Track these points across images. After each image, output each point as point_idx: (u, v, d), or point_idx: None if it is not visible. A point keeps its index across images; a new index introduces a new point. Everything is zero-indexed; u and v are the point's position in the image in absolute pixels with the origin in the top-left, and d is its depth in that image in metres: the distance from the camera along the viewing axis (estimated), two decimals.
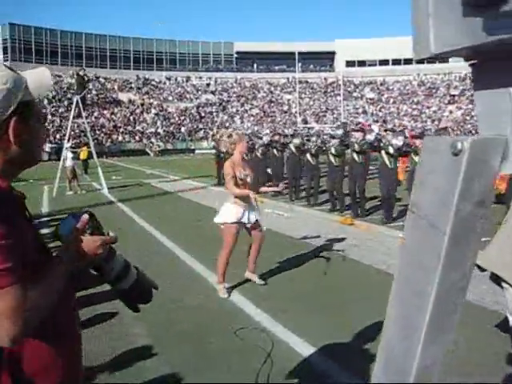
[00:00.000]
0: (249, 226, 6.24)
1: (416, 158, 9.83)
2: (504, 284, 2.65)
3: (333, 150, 12.33)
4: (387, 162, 10.38)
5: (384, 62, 72.98)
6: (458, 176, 0.61)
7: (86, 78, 19.99)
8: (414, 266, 0.71)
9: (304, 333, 4.76)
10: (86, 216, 1.43)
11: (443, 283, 0.67)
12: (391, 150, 10.23)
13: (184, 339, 4.69)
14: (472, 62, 0.68)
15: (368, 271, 7.06)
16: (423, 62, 70.81)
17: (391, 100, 66.92)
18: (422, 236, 0.69)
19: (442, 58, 0.67)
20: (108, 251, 1.47)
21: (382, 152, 10.54)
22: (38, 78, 1.44)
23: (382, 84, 71.10)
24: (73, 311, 1.51)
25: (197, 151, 50.69)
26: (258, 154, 17.16)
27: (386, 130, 11.34)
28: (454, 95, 63.87)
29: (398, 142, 10.29)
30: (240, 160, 6.20)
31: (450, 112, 60.43)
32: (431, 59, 0.67)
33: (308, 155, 13.61)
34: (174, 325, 5.07)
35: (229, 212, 6.15)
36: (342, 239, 9.01)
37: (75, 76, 20.42)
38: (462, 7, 0.59)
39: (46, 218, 11.16)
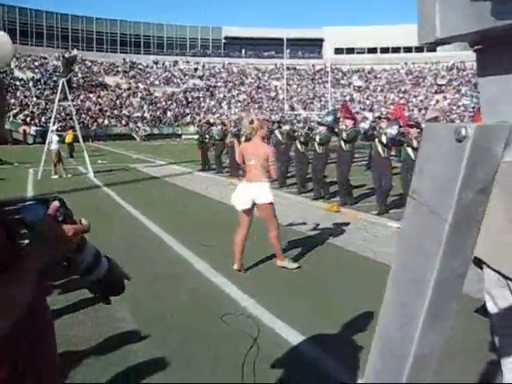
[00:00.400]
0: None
1: (408, 150, 9.75)
2: (484, 266, 2.66)
3: (317, 138, 12.33)
4: (380, 151, 10.36)
5: (372, 50, 72.98)
6: (461, 163, 0.61)
7: (72, 59, 19.67)
8: (413, 252, 0.71)
9: (290, 319, 4.78)
10: (56, 203, 1.24)
11: (443, 270, 0.66)
12: (384, 139, 10.19)
13: (171, 324, 4.69)
14: (477, 47, 0.67)
15: (354, 258, 7.10)
16: (411, 51, 71.01)
17: (379, 88, 67.00)
18: (422, 222, 0.69)
19: (447, 42, 0.67)
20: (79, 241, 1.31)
21: (376, 141, 10.49)
22: None
23: (369, 72, 71.13)
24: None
25: (183, 136, 50.50)
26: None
27: (379, 118, 11.24)
28: (441, 85, 64.07)
29: (393, 131, 10.25)
30: (260, 143, 6.40)
31: (437, 101, 60.66)
32: (432, 44, 0.66)
33: (297, 142, 13.58)
34: (160, 310, 5.06)
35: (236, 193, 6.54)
36: (328, 226, 9.05)
37: (61, 58, 20.18)
38: None
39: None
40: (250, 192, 6.28)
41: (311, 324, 4.69)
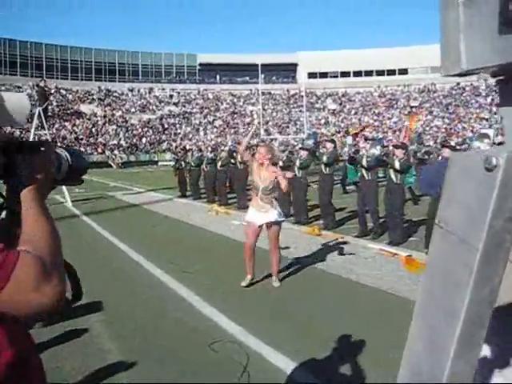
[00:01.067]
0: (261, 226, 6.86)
1: (390, 171, 9.73)
2: None
3: (297, 163, 12.39)
4: (364, 174, 10.39)
5: (345, 74, 73.96)
6: (491, 192, 0.62)
7: (48, 90, 19.60)
8: (441, 281, 0.71)
9: (277, 344, 4.75)
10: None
11: (474, 299, 0.67)
12: (364, 162, 10.23)
13: (159, 354, 4.62)
14: (499, 77, 0.69)
15: (337, 281, 7.11)
16: (383, 74, 72.18)
17: (353, 111, 67.77)
18: (451, 251, 0.69)
19: (470, 74, 0.68)
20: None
21: (360, 165, 10.52)
22: (17, 102, 1.33)
23: (343, 95, 71.98)
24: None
25: (160, 163, 50.32)
26: (218, 166, 17.09)
27: (366, 139, 11.24)
28: (413, 106, 65.06)
29: (376, 151, 10.30)
30: (257, 167, 6.83)
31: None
32: (462, 75, 0.67)
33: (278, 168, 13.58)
34: (148, 340, 5.00)
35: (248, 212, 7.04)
36: (310, 250, 9.05)
37: (36, 87, 20.11)
38: (496, 25, 0.59)
39: None
40: (262, 215, 6.78)
41: (298, 348, 4.67)
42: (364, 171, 10.37)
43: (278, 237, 6.91)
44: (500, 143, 13.97)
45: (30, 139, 19.34)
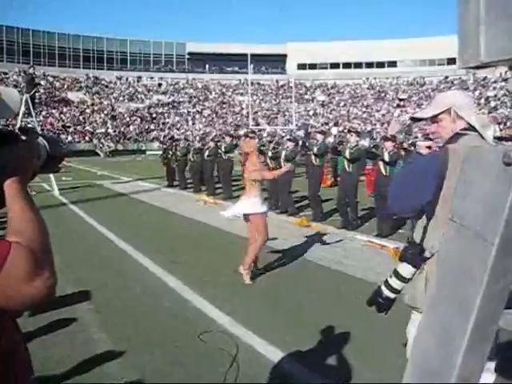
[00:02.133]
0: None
1: (380, 164, 9.76)
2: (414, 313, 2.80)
3: (283, 154, 12.39)
4: (346, 166, 10.42)
5: (335, 66, 73.93)
6: (509, 187, 0.61)
7: (35, 77, 19.41)
8: (455, 275, 0.71)
9: (266, 335, 4.76)
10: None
11: (488, 293, 0.66)
12: (348, 154, 10.23)
13: (147, 344, 4.62)
14: None
15: (325, 272, 7.13)
16: (372, 66, 72.26)
17: (342, 103, 67.82)
18: (465, 246, 0.69)
19: (488, 66, 0.67)
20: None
21: (343, 156, 10.54)
22: (7, 97, 1.32)
23: (332, 87, 72.00)
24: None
25: (148, 152, 50.08)
26: (205, 156, 17.05)
27: (349, 131, 11.18)
28: (402, 99, 65.24)
29: (365, 142, 10.31)
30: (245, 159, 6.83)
31: (398, 116, 61.69)
32: (478, 67, 0.67)
33: (267, 158, 13.58)
34: (137, 329, 4.98)
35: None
36: (299, 241, 9.07)
37: (23, 74, 19.91)
38: None
39: None
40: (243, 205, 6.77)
41: (287, 339, 4.68)
42: (346, 163, 10.39)
43: (261, 229, 6.74)
44: (500, 137, 14.00)
45: (17, 126, 19.18)
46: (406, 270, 2.66)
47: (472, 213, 0.68)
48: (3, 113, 1.37)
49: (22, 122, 18.72)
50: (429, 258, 2.56)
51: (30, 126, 30.37)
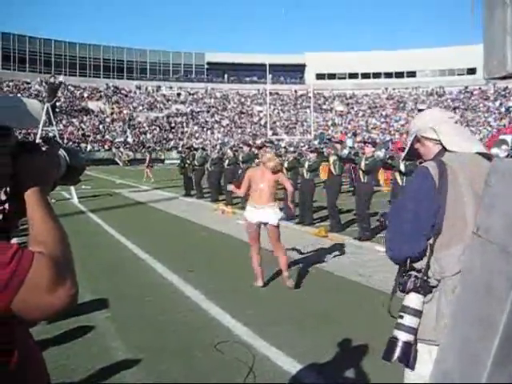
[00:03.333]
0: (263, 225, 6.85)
1: (398, 177, 9.71)
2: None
3: (306, 165, 12.37)
4: (361, 176, 10.40)
5: (353, 76, 73.85)
6: None
7: (57, 85, 19.63)
8: (478, 292, 0.69)
9: (283, 346, 4.72)
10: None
11: None
12: (363, 165, 10.22)
13: (164, 353, 4.61)
14: None
15: (344, 283, 7.07)
16: (391, 76, 72.03)
17: (360, 113, 67.66)
18: (490, 262, 0.67)
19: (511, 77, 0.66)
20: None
21: (358, 168, 10.53)
22: (23, 107, 1.32)
23: (351, 97, 71.89)
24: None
25: (166, 161, 50.35)
26: (225, 165, 17.15)
27: (365, 142, 11.16)
28: (421, 110, 64.92)
29: (381, 153, 10.30)
30: (266, 169, 6.85)
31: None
32: (505, 78, 0.65)
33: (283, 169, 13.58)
34: (153, 338, 4.98)
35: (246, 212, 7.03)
36: (317, 251, 9.02)
37: (44, 84, 20.17)
38: None
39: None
40: (260, 214, 6.72)
41: (305, 350, 4.64)
42: (361, 173, 10.36)
43: (279, 238, 6.82)
44: None
45: (38, 135, 19.40)
46: (414, 300, 2.27)
47: (497, 226, 0.66)
48: (27, 123, 1.40)
49: (42, 130, 18.94)
50: (436, 286, 2.19)
51: (50, 134, 30.77)
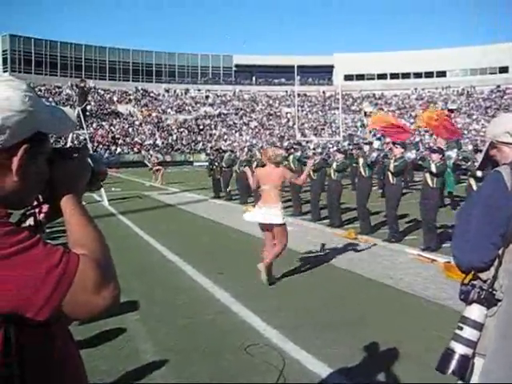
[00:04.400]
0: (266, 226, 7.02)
1: (428, 179, 9.55)
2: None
3: (334, 165, 12.29)
4: (390, 178, 10.30)
5: (382, 76, 73.25)
6: None
7: (87, 90, 19.92)
8: None
9: (314, 349, 4.69)
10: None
11: None
12: (392, 167, 10.12)
13: (194, 355, 4.62)
14: None
15: (374, 286, 7.00)
16: (421, 76, 71.25)
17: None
18: None
19: None
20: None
21: (387, 169, 10.44)
22: (61, 114, 1.34)
23: (380, 98, 71.33)
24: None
25: (195, 163, 50.58)
26: (253, 167, 17.12)
27: (393, 143, 11.04)
28: (451, 109, 64.05)
29: (412, 155, 10.20)
30: (272, 169, 7.04)
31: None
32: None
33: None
34: (184, 341, 5.00)
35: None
36: (346, 253, 8.96)
37: (75, 87, 20.49)
38: None
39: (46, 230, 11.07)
40: (265, 214, 6.87)
41: (335, 354, 4.61)
42: (390, 175, 10.25)
43: (284, 237, 6.97)
44: None
45: (69, 139, 19.72)
46: (477, 312, 2.13)
47: None
48: (68, 129, 1.43)
49: (73, 134, 19.21)
50: (501, 300, 2.09)
51: (81, 137, 31.13)
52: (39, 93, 58.37)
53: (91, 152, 1.53)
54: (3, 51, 63.60)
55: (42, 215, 1.40)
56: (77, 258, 1.13)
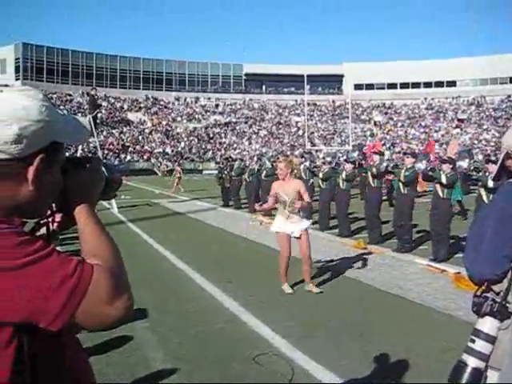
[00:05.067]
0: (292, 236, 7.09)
1: (439, 189, 9.52)
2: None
3: (343, 175, 12.29)
4: (401, 188, 10.30)
5: (392, 86, 73.19)
6: None
7: (97, 98, 20.06)
8: None
9: (323, 360, 4.68)
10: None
11: None
12: (402, 178, 10.13)
13: (203, 364, 4.62)
14: None
15: (383, 296, 6.98)
16: (431, 86, 71.13)
17: (399, 123, 66.93)
18: None
19: None
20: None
21: (398, 179, 10.44)
22: (76, 123, 1.34)
23: (389, 107, 71.24)
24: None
25: (204, 172, 50.70)
26: (263, 176, 17.20)
27: (405, 153, 11.06)
28: (461, 119, 63.83)
29: (422, 165, 10.21)
30: (288, 181, 7.20)
31: (458, 136, 60.31)
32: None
33: (319, 179, 13.56)
34: (193, 350, 5.00)
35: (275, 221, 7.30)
36: (356, 263, 8.93)
37: (86, 96, 20.65)
38: None
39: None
40: (287, 225, 7.03)
41: (343, 364, 4.59)
42: (401, 185, 10.25)
43: (310, 245, 7.11)
44: None
45: (79, 147, 19.82)
46: (489, 325, 2.11)
47: None
48: (82, 138, 1.43)
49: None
50: None
51: (91, 145, 31.27)
52: (51, 100, 58.83)
53: (105, 161, 1.53)
54: (16, 59, 64.15)
55: (55, 224, 1.42)
56: (91, 268, 1.13)
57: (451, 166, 9.54)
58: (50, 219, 1.39)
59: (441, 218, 9.42)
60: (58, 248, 1.19)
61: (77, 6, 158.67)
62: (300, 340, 5.19)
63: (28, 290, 1.07)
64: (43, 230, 1.37)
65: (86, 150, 43.23)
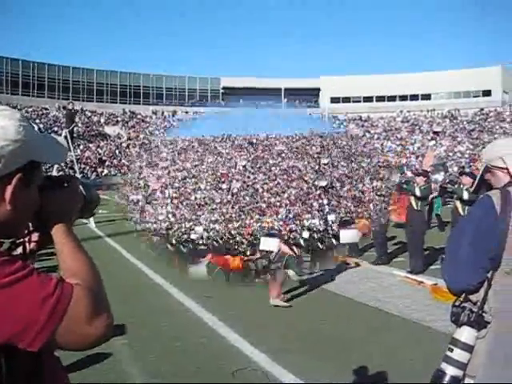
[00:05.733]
0: None
1: (413, 202, 9.56)
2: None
3: None
4: (413, 204, 10.04)
5: (368, 99, 73.98)
6: None
7: (74, 111, 19.93)
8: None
9: (302, 373, 4.67)
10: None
11: None
12: (418, 193, 10.05)
13: (181, 380, 4.58)
14: None
15: (362, 309, 7.01)
16: (406, 99, 72.04)
17: (375, 136, 67.52)
18: None
19: None
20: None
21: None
22: (53, 142, 1.34)
23: (366, 120, 71.88)
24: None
25: None
26: None
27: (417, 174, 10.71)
28: (436, 132, 64.61)
29: (396, 178, 10.27)
30: None
31: (431, 148, 60.95)
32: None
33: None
34: (171, 365, 4.96)
35: None
36: (334, 276, 8.95)
37: (63, 109, 20.53)
38: None
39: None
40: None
41: (322, 378, 4.59)
42: (414, 201, 9.98)
43: None
44: None
45: (55, 166, 19.59)
46: (466, 334, 2.14)
47: None
48: (60, 157, 1.41)
49: None
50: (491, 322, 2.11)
51: (67, 159, 30.96)
52: (26, 114, 58.26)
53: (82, 179, 1.52)
54: None
55: (32, 244, 1.40)
56: (71, 288, 1.12)
57: (425, 179, 9.60)
58: (26, 238, 1.37)
59: (415, 231, 9.48)
60: (35, 264, 1.18)
61: (52, 19, 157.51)
62: (279, 354, 5.18)
63: (8, 311, 1.06)
64: (19, 250, 1.36)
65: (62, 164, 42.84)
